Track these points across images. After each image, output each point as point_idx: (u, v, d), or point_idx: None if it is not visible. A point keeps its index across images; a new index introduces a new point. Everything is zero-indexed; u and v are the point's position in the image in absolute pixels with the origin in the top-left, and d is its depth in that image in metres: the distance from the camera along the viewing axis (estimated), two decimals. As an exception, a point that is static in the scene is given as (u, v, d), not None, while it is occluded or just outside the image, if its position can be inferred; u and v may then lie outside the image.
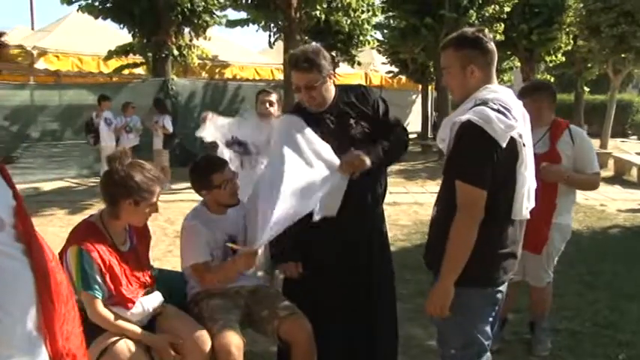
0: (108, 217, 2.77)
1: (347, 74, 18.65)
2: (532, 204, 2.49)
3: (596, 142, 18.32)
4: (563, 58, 20.00)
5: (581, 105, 24.00)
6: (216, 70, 16.99)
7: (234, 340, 2.77)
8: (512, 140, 2.28)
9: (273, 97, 4.73)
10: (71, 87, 13.61)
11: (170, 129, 10.76)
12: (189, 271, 3.16)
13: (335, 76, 3.14)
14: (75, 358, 1.66)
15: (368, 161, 2.97)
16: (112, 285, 2.67)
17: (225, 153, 4.42)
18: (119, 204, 2.70)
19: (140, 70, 15.58)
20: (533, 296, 4.09)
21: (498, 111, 2.28)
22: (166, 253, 6.70)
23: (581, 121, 24.39)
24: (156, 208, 2.83)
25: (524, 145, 2.35)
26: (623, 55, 16.20)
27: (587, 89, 24.49)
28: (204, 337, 2.76)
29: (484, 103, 2.32)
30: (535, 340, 4.05)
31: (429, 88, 21.99)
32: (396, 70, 20.77)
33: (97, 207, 8.36)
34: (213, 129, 4.55)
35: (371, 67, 22.20)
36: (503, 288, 2.53)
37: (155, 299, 2.87)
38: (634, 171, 12.98)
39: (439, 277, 2.39)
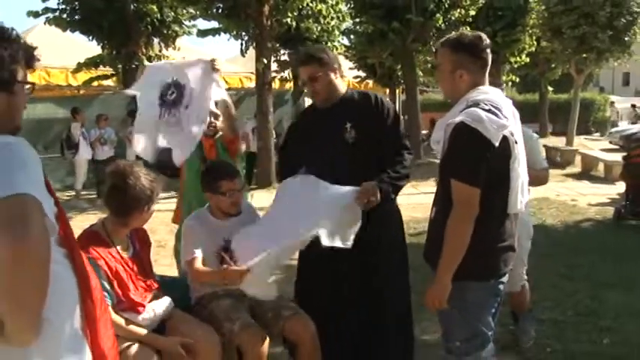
0: (113, 225, 2.82)
1: (316, 80, 18.72)
2: (526, 197, 2.61)
3: (561, 140, 18.84)
4: (527, 59, 20.48)
5: (546, 104, 24.59)
6: (185, 80, 16.90)
7: (260, 335, 2.88)
8: (504, 139, 2.38)
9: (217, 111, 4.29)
10: (40, 100, 13.42)
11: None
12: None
13: (341, 73, 3.29)
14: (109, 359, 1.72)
15: (379, 193, 3.05)
16: (121, 291, 2.72)
17: (149, 96, 3.88)
18: (132, 214, 2.77)
19: (109, 82, 15.46)
20: (512, 300, 4.11)
21: (489, 111, 2.37)
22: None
23: (545, 119, 25.02)
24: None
25: (515, 142, 2.46)
26: (584, 55, 16.68)
27: (550, 89, 25.10)
28: (215, 338, 2.84)
29: (475, 104, 2.43)
30: (519, 330, 4.14)
31: (397, 91, 22.26)
32: (363, 74, 20.99)
33: (75, 220, 8.30)
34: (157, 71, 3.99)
35: (338, 72, 22.34)
36: (504, 279, 2.62)
37: (165, 304, 2.93)
38: (600, 167, 13.37)
39: (437, 273, 2.48)
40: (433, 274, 2.59)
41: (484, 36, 2.62)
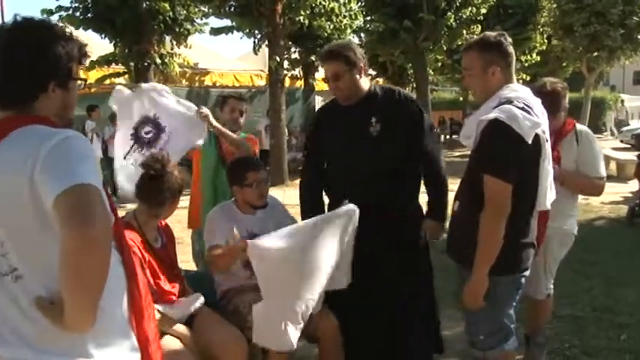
0: (144, 216, 2.91)
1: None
2: (554, 195, 2.66)
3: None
4: (538, 58, 20.44)
5: (556, 103, 24.40)
6: (196, 78, 17.01)
7: None
8: (536, 137, 2.42)
9: (244, 107, 4.42)
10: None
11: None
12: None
13: (365, 71, 3.23)
14: (152, 351, 1.77)
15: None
16: (152, 279, 2.79)
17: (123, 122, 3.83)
18: (166, 204, 2.87)
19: (121, 80, 15.54)
20: (532, 309, 3.76)
21: (523, 109, 2.41)
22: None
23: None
24: None
25: (546, 140, 2.52)
26: (596, 54, 16.66)
27: (561, 87, 24.94)
28: (243, 339, 2.89)
29: (509, 101, 2.45)
30: (529, 356, 3.76)
31: (407, 89, 22.25)
32: (374, 73, 21.00)
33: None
34: (133, 97, 3.83)
35: (349, 70, 22.36)
36: (527, 273, 2.67)
37: (197, 299, 2.99)
38: (612, 165, 13.32)
39: (473, 270, 2.51)
40: (459, 268, 2.66)
41: (506, 34, 2.66)
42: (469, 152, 2.70)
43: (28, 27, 1.64)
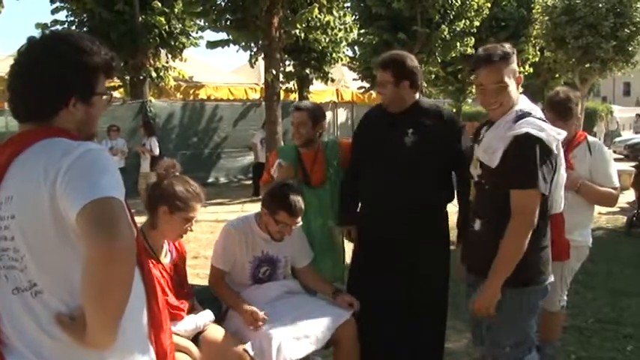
0: (148, 228, 2.85)
1: (319, 91, 18.83)
2: (563, 197, 2.78)
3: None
4: (531, 70, 20.58)
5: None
6: (191, 91, 17.00)
7: None
8: (557, 145, 2.50)
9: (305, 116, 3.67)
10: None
11: (156, 151, 10.77)
12: None
13: (416, 85, 3.27)
14: None
15: None
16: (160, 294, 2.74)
17: None
18: (157, 211, 2.77)
19: (116, 94, 15.52)
20: (545, 321, 3.53)
21: (542, 120, 2.47)
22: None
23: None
24: (190, 226, 2.85)
25: (561, 147, 2.60)
26: (588, 65, 16.80)
27: (553, 99, 25.11)
28: (244, 352, 2.86)
29: (528, 114, 2.48)
30: None
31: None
32: (367, 85, 21.03)
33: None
34: None
35: (342, 83, 22.42)
36: (551, 279, 2.67)
37: (206, 316, 2.96)
38: (607, 176, 13.36)
39: (488, 279, 2.49)
40: (473, 281, 2.66)
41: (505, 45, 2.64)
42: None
43: (50, 40, 1.63)
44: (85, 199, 1.40)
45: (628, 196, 10.26)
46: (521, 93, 2.62)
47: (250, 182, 13.45)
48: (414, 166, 3.23)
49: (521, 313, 2.59)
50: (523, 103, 2.56)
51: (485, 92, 2.57)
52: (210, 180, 15.16)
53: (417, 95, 3.34)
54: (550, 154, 2.43)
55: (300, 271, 3.47)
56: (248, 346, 2.87)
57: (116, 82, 14.70)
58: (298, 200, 3.13)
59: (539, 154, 2.40)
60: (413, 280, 3.29)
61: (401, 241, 3.28)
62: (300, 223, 3.23)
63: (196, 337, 2.93)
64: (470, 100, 23.26)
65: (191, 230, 2.89)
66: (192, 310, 3.00)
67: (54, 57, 1.58)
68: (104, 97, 1.69)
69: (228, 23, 12.21)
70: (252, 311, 2.98)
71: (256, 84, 17.29)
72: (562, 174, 2.64)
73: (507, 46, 2.59)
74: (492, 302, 2.50)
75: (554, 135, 2.43)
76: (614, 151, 21.28)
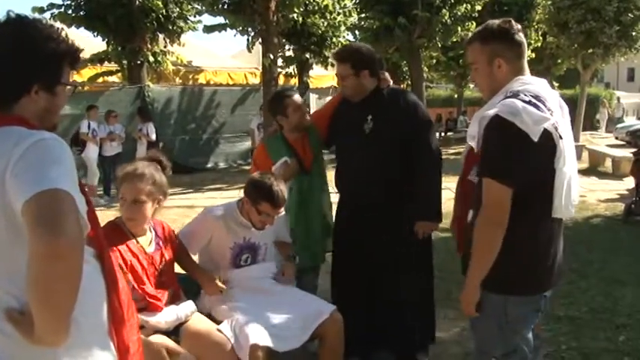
0: None
1: (320, 76, 18.73)
2: (576, 200, 2.34)
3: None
4: (533, 55, 20.38)
5: (552, 100, 24.34)
6: (190, 76, 16.91)
7: None
8: (546, 133, 2.13)
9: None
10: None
11: (153, 137, 10.71)
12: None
13: (376, 73, 3.39)
14: None
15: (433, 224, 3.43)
16: (136, 284, 2.70)
17: None
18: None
19: (114, 78, 15.44)
20: None
21: (529, 103, 2.14)
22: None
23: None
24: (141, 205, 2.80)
25: (560, 137, 2.19)
26: (591, 51, 16.61)
27: (556, 84, 25.02)
28: (227, 347, 2.81)
29: (515, 95, 2.17)
30: None
31: (402, 87, 22.20)
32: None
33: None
34: None
35: (343, 68, 22.27)
36: (548, 293, 2.42)
37: (188, 307, 2.91)
38: (608, 162, 13.31)
39: (466, 277, 2.32)
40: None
41: (512, 21, 2.35)
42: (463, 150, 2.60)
43: (17, 24, 1.56)
44: (31, 191, 1.33)
45: (628, 183, 10.20)
46: None
47: (249, 167, 13.37)
48: (374, 153, 3.35)
49: (507, 323, 2.32)
50: (519, 83, 2.28)
51: (472, 72, 2.46)
52: (210, 165, 15.13)
53: (375, 82, 3.44)
54: (523, 142, 2.10)
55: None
56: (223, 326, 2.88)
57: (114, 66, 14.64)
58: (281, 190, 3.10)
59: (507, 140, 2.12)
60: (395, 243, 3.42)
61: (378, 205, 3.41)
62: (283, 212, 3.23)
63: (178, 328, 2.87)
64: (471, 86, 23.08)
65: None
66: (176, 300, 2.95)
67: (19, 41, 1.52)
68: (68, 87, 1.63)
69: (225, 7, 12.09)
70: (210, 277, 3.09)
71: (256, 68, 17.15)
72: (561, 169, 2.19)
73: (497, 23, 2.33)
74: (470, 301, 2.30)
75: (532, 120, 2.10)
76: (616, 137, 21.19)
